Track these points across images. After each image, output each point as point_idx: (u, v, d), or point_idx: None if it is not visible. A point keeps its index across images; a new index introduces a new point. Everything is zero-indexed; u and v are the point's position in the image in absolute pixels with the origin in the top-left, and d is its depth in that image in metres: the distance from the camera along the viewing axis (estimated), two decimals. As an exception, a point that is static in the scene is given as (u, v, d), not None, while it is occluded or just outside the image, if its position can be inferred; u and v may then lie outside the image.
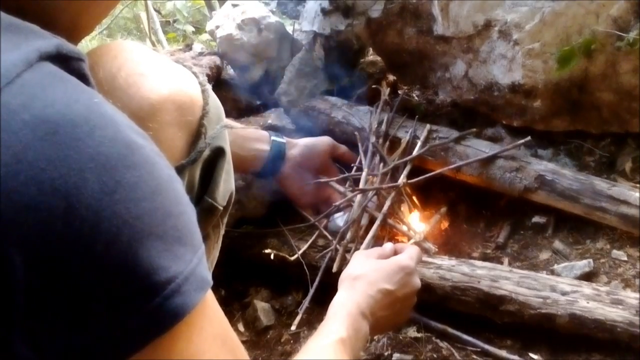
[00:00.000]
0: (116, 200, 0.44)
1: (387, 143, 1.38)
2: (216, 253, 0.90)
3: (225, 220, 0.88)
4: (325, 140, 1.37)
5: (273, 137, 1.30)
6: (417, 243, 1.17)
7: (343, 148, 1.40)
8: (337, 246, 1.20)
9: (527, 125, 1.34)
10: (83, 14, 0.62)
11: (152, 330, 0.46)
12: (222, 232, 0.89)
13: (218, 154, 0.81)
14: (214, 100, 0.81)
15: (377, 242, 1.18)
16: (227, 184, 0.84)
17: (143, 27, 3.86)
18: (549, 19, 1.18)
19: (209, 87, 0.80)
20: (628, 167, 1.25)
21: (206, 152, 0.79)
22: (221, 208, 0.83)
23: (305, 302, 1.17)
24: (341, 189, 1.32)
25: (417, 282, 1.00)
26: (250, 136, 1.27)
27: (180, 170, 0.74)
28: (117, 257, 0.44)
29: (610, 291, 1.04)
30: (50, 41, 0.49)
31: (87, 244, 0.43)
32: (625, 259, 1.14)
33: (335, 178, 1.32)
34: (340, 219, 1.30)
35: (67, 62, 0.50)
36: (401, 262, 1.00)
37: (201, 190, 0.80)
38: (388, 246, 1.07)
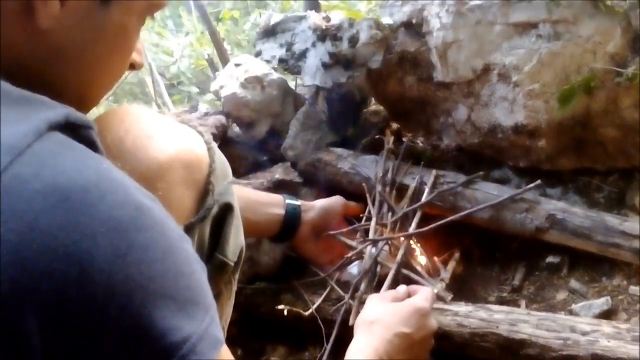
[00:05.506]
0: (128, 262, 0.45)
1: (394, 191, 1.38)
2: (229, 310, 0.90)
3: (237, 276, 0.88)
4: (338, 201, 1.36)
5: (287, 201, 1.27)
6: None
7: (354, 205, 1.39)
8: (350, 301, 1.19)
9: (534, 165, 1.34)
10: (90, 85, 0.64)
11: None
12: (235, 288, 0.89)
13: (226, 210, 0.82)
14: (220, 157, 0.82)
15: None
16: (236, 239, 0.84)
17: (148, 91, 3.93)
18: (546, 59, 1.20)
19: (214, 144, 0.82)
20: (637, 201, 1.24)
21: (214, 209, 0.79)
22: (232, 264, 0.83)
23: (324, 358, 1.15)
24: (353, 243, 1.31)
25: (433, 324, 0.99)
26: (264, 200, 1.25)
27: (189, 228, 0.75)
28: (131, 319, 0.44)
29: (630, 328, 1.01)
30: (60, 111, 0.50)
31: (102, 307, 0.43)
32: (644, 294, 1.13)
33: (344, 229, 1.32)
34: (354, 269, 1.29)
35: (76, 131, 0.51)
36: (416, 304, 0.99)
37: (211, 247, 0.80)
38: (402, 289, 1.07)
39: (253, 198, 1.22)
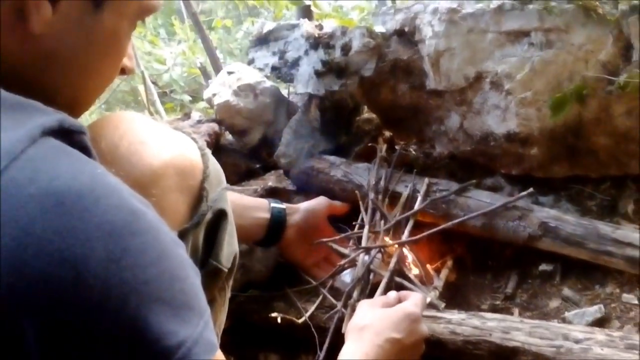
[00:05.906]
0: (123, 267, 0.45)
1: (387, 199, 1.38)
2: (223, 316, 0.89)
3: (230, 282, 0.88)
4: (323, 202, 1.37)
5: (272, 204, 1.28)
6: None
7: (339, 204, 1.40)
8: (343, 309, 1.19)
9: (526, 173, 1.34)
10: (82, 89, 0.64)
11: None
12: (228, 294, 0.89)
13: (220, 216, 0.82)
14: (214, 163, 0.83)
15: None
16: (230, 245, 0.84)
17: (141, 99, 3.92)
18: (538, 67, 1.21)
19: (208, 151, 0.82)
20: (630, 209, 1.25)
21: (208, 215, 0.79)
22: (226, 270, 0.83)
23: (316, 365, 1.15)
24: (345, 250, 1.30)
25: (424, 329, 1.00)
26: (250, 205, 1.26)
27: (183, 234, 0.74)
28: (127, 323, 0.44)
29: (623, 336, 1.02)
30: (53, 117, 0.50)
31: (97, 311, 0.43)
32: (636, 302, 1.12)
33: (338, 237, 1.32)
34: (347, 276, 1.29)
35: (70, 136, 0.51)
36: (407, 309, 0.99)
37: (205, 253, 0.80)
38: (392, 294, 1.07)
39: (238, 202, 1.22)
